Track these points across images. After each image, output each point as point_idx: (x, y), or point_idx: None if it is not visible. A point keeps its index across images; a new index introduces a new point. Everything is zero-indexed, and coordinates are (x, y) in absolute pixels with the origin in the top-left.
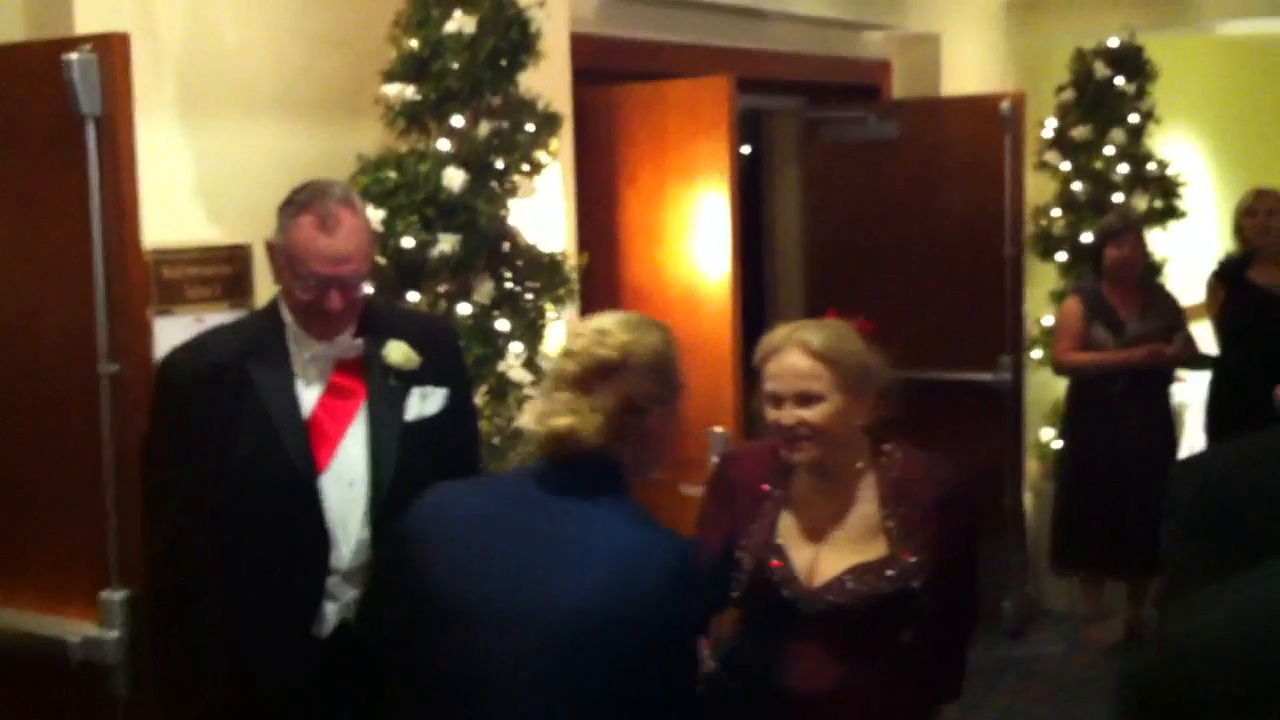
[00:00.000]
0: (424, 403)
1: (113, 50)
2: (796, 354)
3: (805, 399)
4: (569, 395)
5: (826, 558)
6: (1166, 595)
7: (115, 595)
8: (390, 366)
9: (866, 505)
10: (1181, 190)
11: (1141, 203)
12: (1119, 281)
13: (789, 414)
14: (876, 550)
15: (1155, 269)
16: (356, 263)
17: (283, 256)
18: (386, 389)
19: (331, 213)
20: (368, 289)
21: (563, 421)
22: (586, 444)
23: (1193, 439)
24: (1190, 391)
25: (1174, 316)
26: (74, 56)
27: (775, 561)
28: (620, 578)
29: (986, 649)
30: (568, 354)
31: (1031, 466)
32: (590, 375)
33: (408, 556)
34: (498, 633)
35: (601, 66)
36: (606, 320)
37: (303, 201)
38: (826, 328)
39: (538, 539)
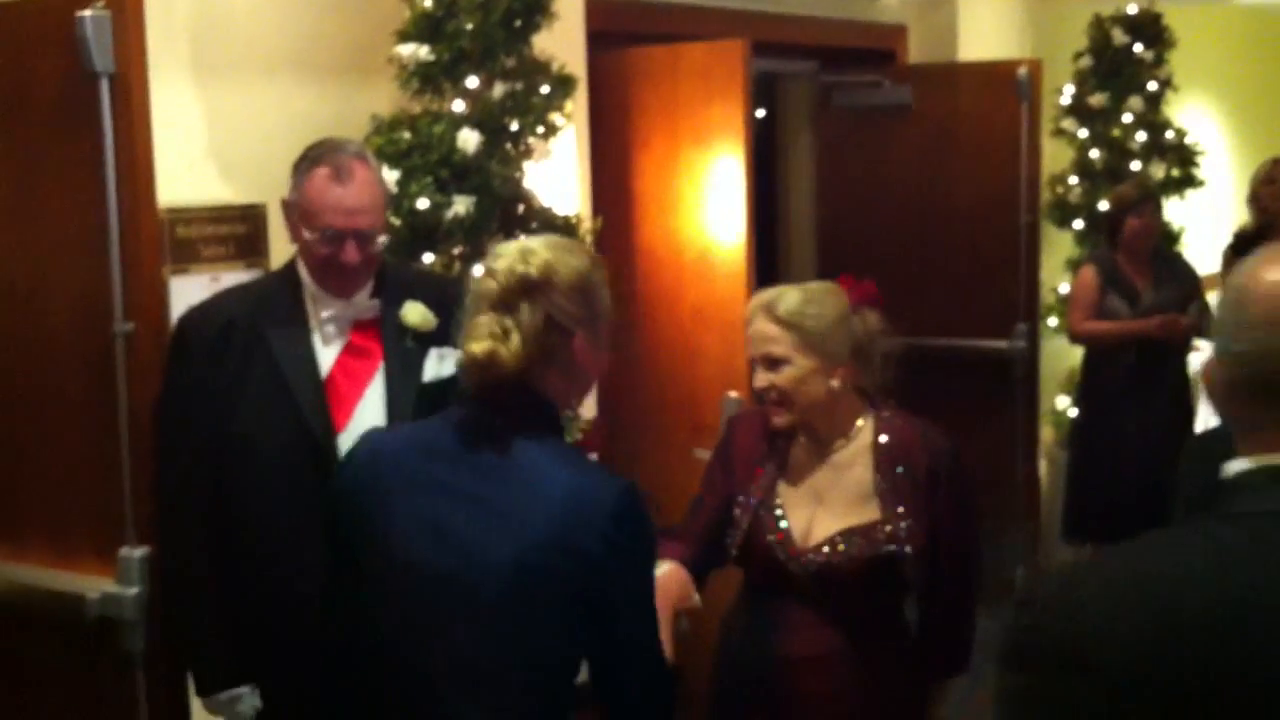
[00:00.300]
0: (441, 364)
1: (126, 8)
2: (762, 319)
3: (771, 362)
4: (489, 317)
5: (820, 521)
6: None
7: (133, 552)
8: (407, 327)
9: (860, 469)
10: (1199, 159)
11: (1159, 171)
12: (1135, 252)
13: (761, 377)
14: (869, 514)
15: (1172, 238)
16: (371, 216)
17: (297, 212)
18: (403, 350)
19: (345, 166)
20: (382, 243)
21: (481, 346)
22: (508, 369)
23: (1205, 409)
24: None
25: (1190, 286)
26: (87, 13)
27: (770, 523)
28: (561, 526)
29: (996, 620)
30: (489, 273)
31: (1046, 434)
32: (511, 294)
33: (347, 515)
34: (442, 594)
35: (615, 29)
36: (532, 240)
37: (316, 156)
38: (801, 292)
39: (472, 493)
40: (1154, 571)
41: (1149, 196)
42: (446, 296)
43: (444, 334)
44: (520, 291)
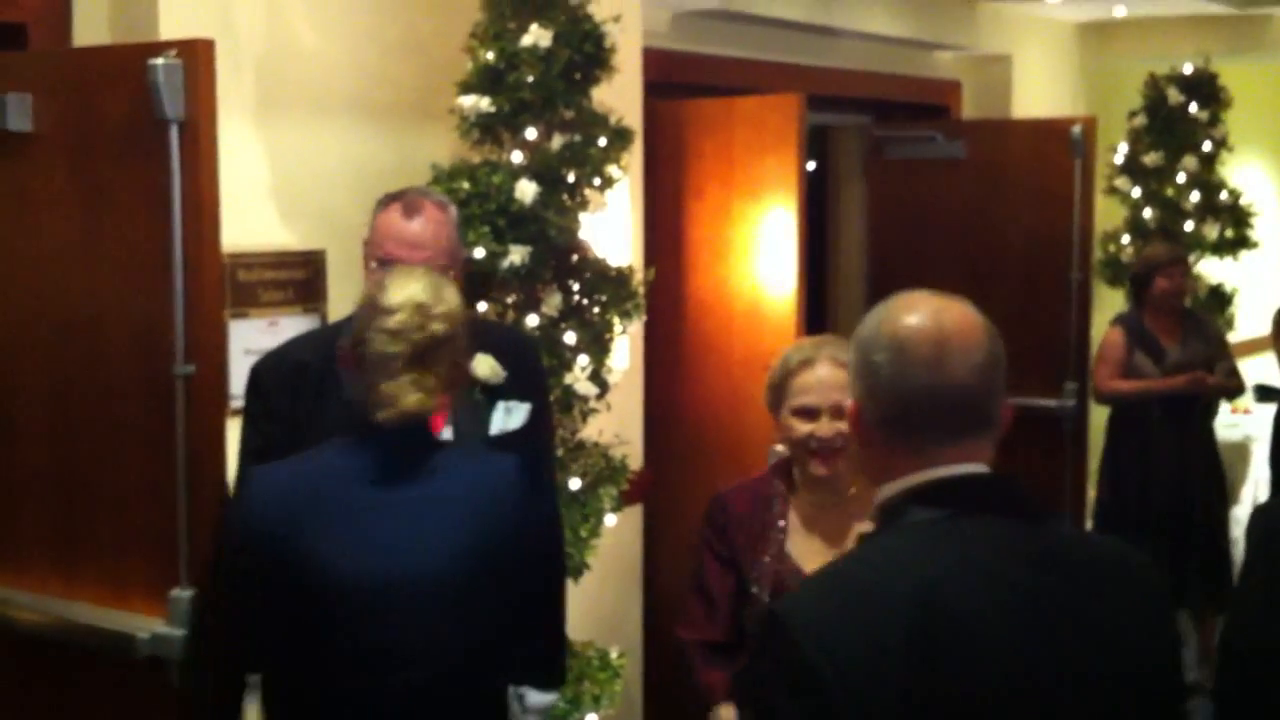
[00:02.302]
0: (508, 417)
1: (197, 56)
2: (828, 367)
3: (840, 411)
4: (410, 375)
5: None
6: (1234, 626)
7: (184, 594)
8: (476, 380)
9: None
10: (1253, 220)
11: (1212, 232)
12: (1163, 312)
13: (827, 426)
14: None
15: (1225, 299)
16: (430, 252)
17: (368, 246)
18: (471, 402)
19: (415, 203)
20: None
21: (413, 399)
22: (430, 413)
23: (1258, 472)
24: (1256, 424)
25: (1216, 346)
26: (159, 61)
27: (792, 577)
28: (483, 510)
29: None
30: (394, 335)
31: (1093, 494)
32: (425, 352)
33: (270, 552)
34: (395, 598)
35: (672, 80)
36: (411, 288)
37: (395, 194)
38: (841, 341)
39: (399, 503)
40: (861, 588)
41: (1178, 258)
42: (515, 348)
43: (512, 387)
44: (433, 349)
